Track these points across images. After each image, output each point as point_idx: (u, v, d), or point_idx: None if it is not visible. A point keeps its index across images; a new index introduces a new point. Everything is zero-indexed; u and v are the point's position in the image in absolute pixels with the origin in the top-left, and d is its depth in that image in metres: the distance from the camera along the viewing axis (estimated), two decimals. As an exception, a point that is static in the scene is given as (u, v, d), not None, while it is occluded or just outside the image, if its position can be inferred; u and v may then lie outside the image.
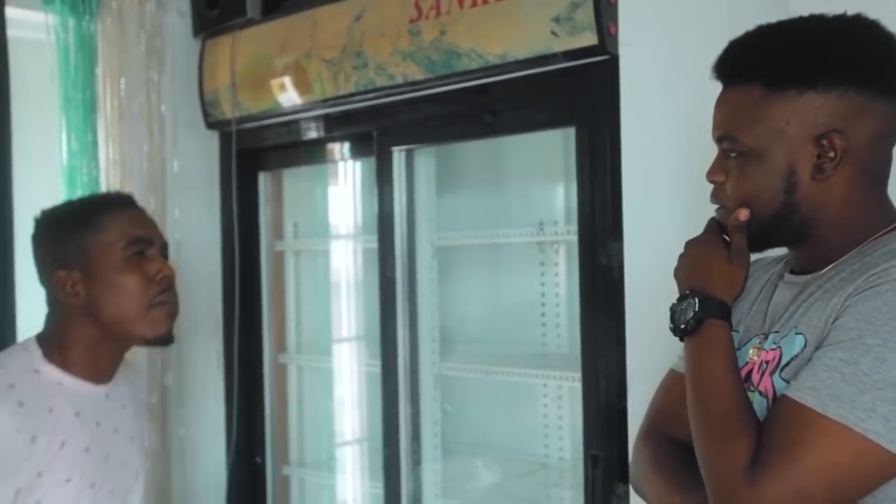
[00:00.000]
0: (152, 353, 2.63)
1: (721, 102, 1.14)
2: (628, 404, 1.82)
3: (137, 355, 2.60)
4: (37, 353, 1.53)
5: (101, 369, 1.57)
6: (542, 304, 2.43)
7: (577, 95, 1.88)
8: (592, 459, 1.87)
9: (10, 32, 2.48)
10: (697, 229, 1.82)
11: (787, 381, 1.06)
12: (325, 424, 2.78)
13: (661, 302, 1.80)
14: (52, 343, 1.54)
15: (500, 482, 2.43)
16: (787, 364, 1.08)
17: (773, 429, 1.02)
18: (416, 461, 2.31)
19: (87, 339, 1.53)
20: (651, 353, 1.83)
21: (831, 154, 1.07)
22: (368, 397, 2.65)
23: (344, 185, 2.74)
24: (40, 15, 2.54)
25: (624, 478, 1.82)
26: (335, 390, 2.74)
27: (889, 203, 1.14)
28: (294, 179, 2.80)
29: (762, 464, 1.00)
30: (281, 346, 2.79)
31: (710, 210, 1.83)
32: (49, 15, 2.54)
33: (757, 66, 1.10)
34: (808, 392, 1.00)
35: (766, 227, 1.12)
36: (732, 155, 1.12)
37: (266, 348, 2.74)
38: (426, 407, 2.33)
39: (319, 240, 2.77)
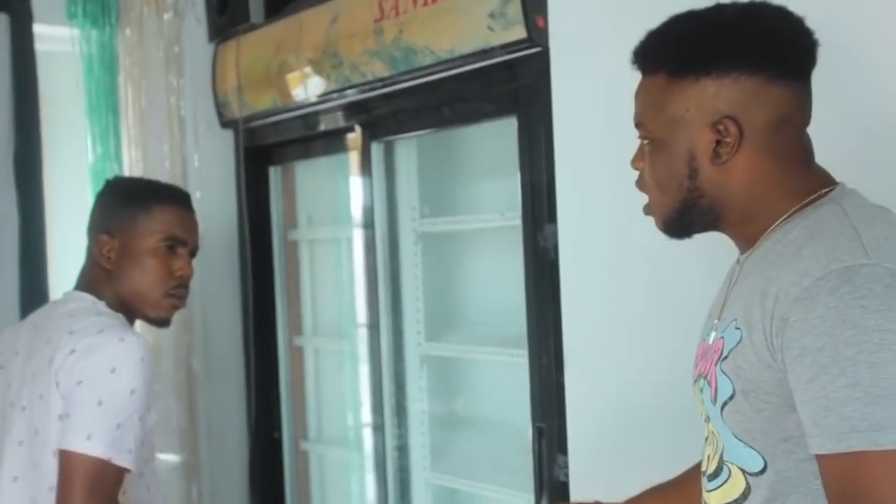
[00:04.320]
0: (178, 336, 2.86)
1: (637, 91, 1.20)
2: (566, 380, 1.91)
3: (164, 340, 2.85)
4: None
5: None
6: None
7: (515, 87, 1.97)
8: (538, 431, 1.97)
9: (38, 46, 2.72)
10: (627, 212, 1.89)
11: (727, 374, 1.09)
12: (339, 403, 2.94)
13: (593, 281, 1.89)
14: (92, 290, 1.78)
15: (490, 455, 2.54)
16: (726, 356, 1.10)
17: (839, 494, 0.99)
18: (403, 435, 2.45)
19: (106, 296, 1.77)
20: (586, 330, 1.92)
21: (728, 140, 1.10)
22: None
23: (351, 177, 2.88)
24: (65, 29, 2.77)
25: (563, 449, 1.92)
26: (348, 372, 2.89)
27: (810, 175, 1.14)
28: (306, 173, 2.96)
29: None
30: (297, 329, 2.96)
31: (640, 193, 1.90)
32: (73, 28, 2.77)
33: (662, 55, 1.15)
34: (846, 437, 0.97)
35: (679, 213, 1.16)
36: (646, 142, 1.18)
37: (280, 332, 2.92)
38: (412, 385, 2.46)
39: (329, 229, 2.92)
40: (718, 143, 1.11)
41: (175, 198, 1.87)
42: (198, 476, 2.86)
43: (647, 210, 1.22)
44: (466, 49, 2.02)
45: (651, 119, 1.16)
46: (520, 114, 1.97)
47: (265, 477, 2.90)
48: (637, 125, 1.19)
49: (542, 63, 1.88)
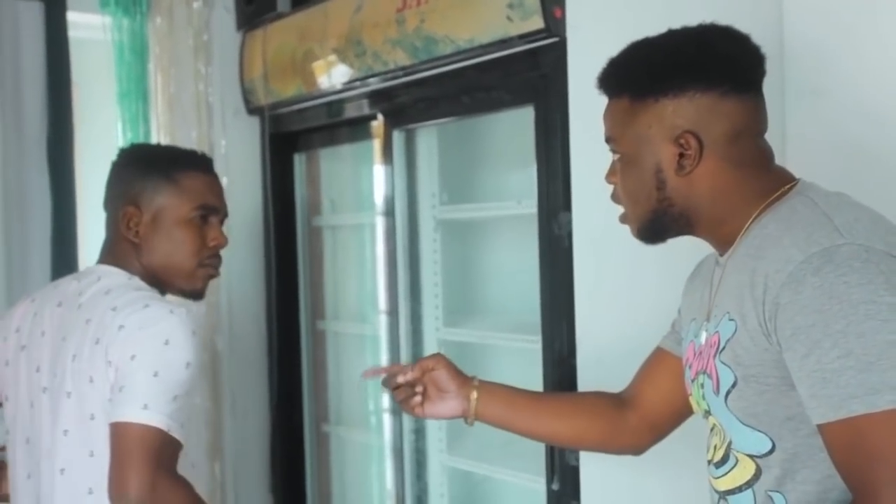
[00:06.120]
0: (203, 318, 2.93)
1: (605, 112, 1.31)
2: (577, 364, 1.95)
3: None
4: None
5: None
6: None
7: (533, 76, 2.00)
8: (550, 416, 2.00)
9: (71, 34, 2.79)
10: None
11: (727, 364, 1.18)
12: (359, 387, 2.98)
13: (607, 268, 1.93)
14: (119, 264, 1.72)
15: (504, 439, 2.57)
16: (724, 348, 1.18)
17: (846, 459, 1.05)
18: (419, 418, 2.49)
19: (135, 270, 1.71)
20: (598, 317, 1.95)
21: (689, 152, 1.21)
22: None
23: (373, 165, 2.93)
24: (98, 17, 2.83)
25: (574, 433, 1.94)
26: (368, 356, 2.93)
27: (770, 176, 1.24)
28: (330, 160, 3.01)
29: (868, 495, 1.02)
30: (319, 313, 3.02)
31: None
32: (105, 17, 2.83)
33: (623, 81, 1.26)
34: (845, 403, 1.03)
35: (651, 221, 1.27)
36: (617, 158, 1.29)
37: (303, 316, 2.97)
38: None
39: (352, 215, 2.97)
40: (681, 155, 1.21)
41: (201, 164, 1.78)
42: (221, 454, 2.93)
43: (623, 219, 1.32)
44: (485, 39, 2.05)
45: (619, 137, 1.27)
46: (537, 103, 2.00)
47: (286, 457, 2.96)
48: (607, 140, 1.30)
49: (559, 53, 1.91)
